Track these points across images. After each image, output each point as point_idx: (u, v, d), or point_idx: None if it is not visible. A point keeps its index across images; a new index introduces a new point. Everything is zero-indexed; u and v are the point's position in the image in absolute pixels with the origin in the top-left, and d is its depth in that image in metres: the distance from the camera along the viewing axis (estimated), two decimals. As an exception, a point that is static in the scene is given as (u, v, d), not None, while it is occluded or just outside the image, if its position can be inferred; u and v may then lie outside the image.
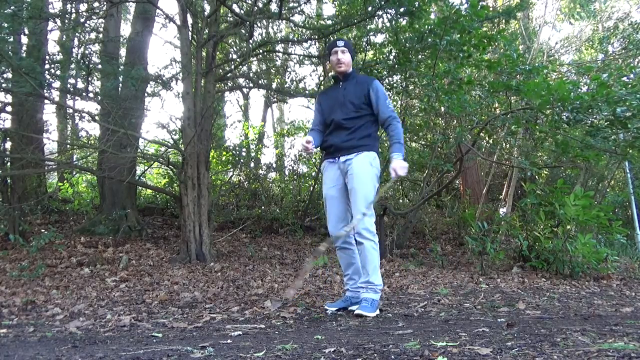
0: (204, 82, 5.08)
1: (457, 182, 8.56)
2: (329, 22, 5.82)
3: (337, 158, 2.77)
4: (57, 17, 5.53)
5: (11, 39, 4.53)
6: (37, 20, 4.76)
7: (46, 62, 5.18)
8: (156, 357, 1.66)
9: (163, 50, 28.99)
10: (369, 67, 5.66)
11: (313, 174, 7.79)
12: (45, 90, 4.50)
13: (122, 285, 3.72)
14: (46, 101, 5.45)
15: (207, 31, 5.13)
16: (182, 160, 4.85)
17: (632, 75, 5.56)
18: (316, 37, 5.91)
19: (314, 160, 7.90)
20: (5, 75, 4.61)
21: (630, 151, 4.83)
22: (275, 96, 9.82)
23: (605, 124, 4.34)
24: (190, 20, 5.17)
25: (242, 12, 5.92)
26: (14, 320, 2.69)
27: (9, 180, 5.18)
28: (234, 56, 7.48)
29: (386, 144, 6.02)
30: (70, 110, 7.66)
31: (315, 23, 6.32)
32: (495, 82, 5.02)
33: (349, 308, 2.77)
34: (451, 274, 4.52)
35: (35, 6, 4.61)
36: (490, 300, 3.24)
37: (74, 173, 7.54)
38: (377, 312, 2.64)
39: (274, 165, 8.48)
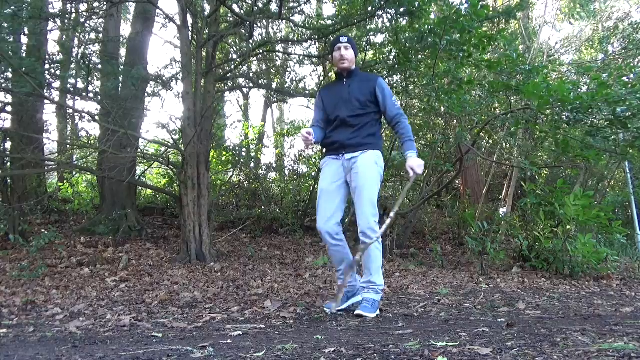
0: (204, 82, 5.08)
1: (457, 182, 8.56)
2: (329, 22, 5.81)
3: (341, 155, 2.74)
4: (57, 17, 5.52)
5: (11, 39, 4.54)
6: (37, 20, 4.76)
7: (46, 62, 5.19)
8: (156, 357, 1.66)
9: (163, 50, 29.03)
10: (369, 67, 5.66)
11: (313, 174, 7.79)
12: (45, 90, 4.50)
13: (122, 285, 3.72)
14: (46, 101, 5.46)
15: (207, 31, 5.13)
16: (182, 160, 4.85)
17: (632, 75, 5.57)
18: (316, 37, 5.91)
19: (314, 160, 7.90)
20: (5, 75, 4.61)
21: (630, 151, 4.83)
22: (275, 96, 9.82)
23: (605, 124, 4.33)
24: (190, 20, 5.17)
25: (242, 12, 5.92)
26: (14, 320, 2.69)
27: (9, 180, 5.19)
28: (234, 56, 7.48)
29: (387, 144, 6.05)
30: (70, 110, 7.67)
31: (315, 23, 6.32)
32: (495, 82, 5.02)
33: (350, 303, 2.75)
34: (451, 274, 4.52)
35: (35, 6, 4.61)
36: (490, 300, 3.24)
37: (74, 173, 7.54)
38: (378, 312, 2.64)
39: (274, 165, 8.48)
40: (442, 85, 5.18)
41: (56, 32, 7.20)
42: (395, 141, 5.83)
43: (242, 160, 7.80)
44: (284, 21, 7.39)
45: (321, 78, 7.10)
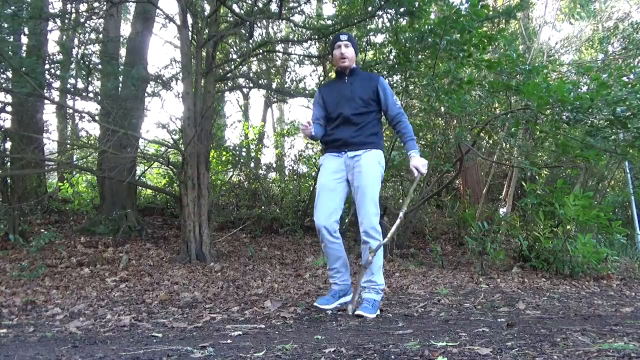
0: (204, 82, 5.08)
1: (457, 182, 8.56)
2: (329, 22, 5.81)
3: (343, 152, 2.73)
4: (57, 17, 5.52)
5: (11, 39, 4.53)
6: (37, 20, 4.76)
7: (46, 62, 5.18)
8: (156, 357, 1.66)
9: (163, 50, 29.02)
10: (369, 67, 5.66)
11: (313, 174, 7.79)
12: (45, 90, 4.50)
13: (122, 285, 3.72)
14: (46, 101, 5.46)
15: (207, 31, 5.13)
16: (182, 160, 4.85)
17: (632, 76, 5.57)
18: (316, 37, 5.91)
19: (313, 160, 7.90)
20: (5, 75, 4.61)
21: (630, 151, 4.83)
22: (275, 96, 9.82)
23: (605, 124, 4.33)
24: (190, 20, 5.17)
25: (242, 12, 5.92)
26: (14, 320, 2.69)
27: (9, 180, 5.19)
28: (234, 56, 7.48)
29: (387, 144, 6.05)
30: (70, 110, 7.67)
31: (315, 23, 6.32)
32: (495, 82, 5.02)
33: (340, 302, 2.71)
34: (451, 274, 4.52)
35: (35, 6, 4.60)
36: (490, 300, 3.24)
37: (74, 173, 7.54)
38: (378, 312, 2.64)
39: (274, 165, 8.48)
40: (442, 85, 5.18)
41: (56, 32, 7.21)
42: (395, 141, 5.83)
43: (242, 160, 7.80)
44: (284, 21, 7.39)
45: (321, 78, 7.10)
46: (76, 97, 7.15)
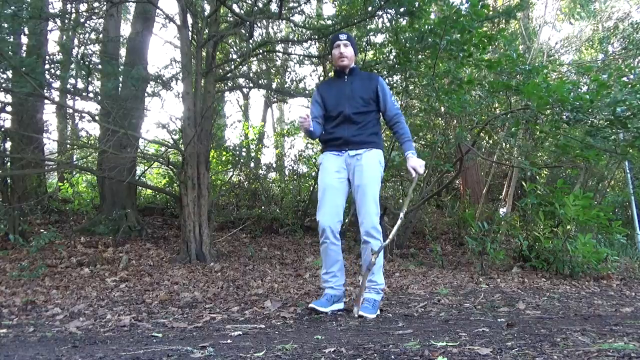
0: (204, 82, 5.08)
1: (457, 182, 8.56)
2: (329, 22, 5.81)
3: (343, 151, 2.72)
4: (57, 17, 5.52)
5: (11, 39, 4.53)
6: (37, 20, 4.76)
7: (46, 62, 5.19)
8: (156, 357, 1.66)
9: (163, 50, 29.03)
10: (369, 67, 5.66)
11: (313, 174, 7.79)
12: (45, 90, 4.50)
13: (122, 285, 3.72)
14: (46, 101, 5.46)
15: (207, 31, 5.13)
16: (182, 160, 4.85)
17: (632, 76, 5.57)
18: (316, 37, 5.91)
19: (313, 160, 7.90)
20: (5, 75, 4.61)
21: (630, 151, 4.83)
22: (275, 96, 9.82)
23: (605, 124, 4.34)
24: (190, 20, 5.17)
25: (242, 12, 5.92)
26: (14, 320, 2.69)
27: (9, 180, 5.19)
28: (234, 56, 7.48)
29: (387, 144, 6.04)
30: (70, 110, 7.67)
31: (315, 23, 6.32)
32: (495, 82, 5.02)
33: (333, 308, 2.68)
34: (451, 274, 4.52)
35: (35, 6, 4.60)
36: (490, 300, 3.24)
37: (74, 173, 7.54)
38: (378, 312, 2.64)
39: (274, 165, 8.48)
40: (442, 85, 5.18)
41: (56, 32, 7.21)
42: (396, 141, 5.83)
43: (242, 160, 7.80)
44: (284, 21, 7.39)
45: (321, 78, 7.10)
46: (76, 97, 7.15)
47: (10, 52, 4.12)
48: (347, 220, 5.59)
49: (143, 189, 7.47)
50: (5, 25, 4.04)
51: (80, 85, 6.07)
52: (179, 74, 5.99)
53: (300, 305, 2.97)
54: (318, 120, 2.79)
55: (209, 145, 5.20)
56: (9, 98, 5.30)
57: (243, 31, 6.28)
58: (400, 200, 7.89)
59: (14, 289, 3.51)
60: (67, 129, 8.37)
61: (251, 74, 8.26)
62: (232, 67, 6.77)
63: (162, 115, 21.85)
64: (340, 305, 2.74)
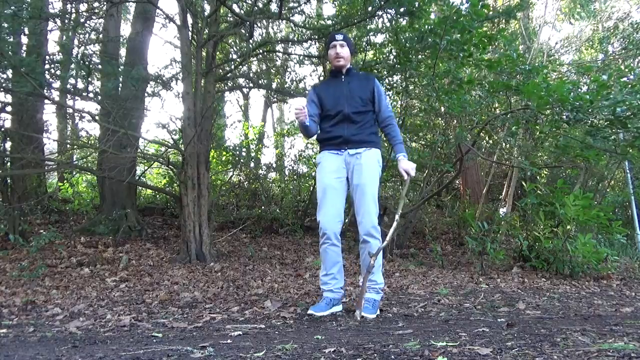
0: (204, 82, 5.08)
1: (457, 182, 8.56)
2: (329, 22, 5.81)
3: (343, 150, 2.72)
4: (57, 17, 5.53)
5: (11, 39, 4.53)
6: (37, 20, 4.76)
7: (46, 62, 5.19)
8: (156, 357, 1.66)
9: (163, 50, 29.02)
10: (369, 67, 5.66)
11: (313, 174, 7.79)
12: (45, 90, 4.50)
13: (122, 285, 3.72)
14: (46, 101, 5.46)
15: (207, 31, 5.13)
16: (182, 160, 4.85)
17: (632, 76, 5.57)
18: (316, 37, 5.91)
19: (313, 160, 7.90)
20: (5, 75, 4.61)
21: (630, 151, 4.83)
22: (275, 96, 9.82)
23: (605, 124, 4.34)
24: (190, 20, 5.17)
25: (242, 12, 5.92)
26: (14, 320, 2.69)
27: (9, 180, 5.18)
28: (234, 56, 7.48)
29: (386, 144, 6.04)
30: (70, 110, 7.67)
31: (315, 23, 6.32)
32: (495, 82, 5.02)
33: (331, 311, 2.66)
34: (451, 274, 4.52)
35: (35, 6, 4.60)
36: (490, 300, 3.24)
37: (74, 173, 7.54)
38: (378, 312, 2.64)
39: (274, 165, 8.48)
40: (442, 85, 5.18)
41: (56, 32, 7.21)
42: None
43: (242, 160, 7.80)
44: (284, 21, 7.39)
45: (321, 78, 7.10)
46: (76, 97, 7.15)
47: (10, 52, 4.11)
48: (347, 220, 5.59)
49: (143, 189, 7.47)
50: (5, 25, 4.04)
51: (80, 85, 6.07)
52: (179, 74, 6.00)
53: (300, 305, 2.97)
54: (314, 119, 2.75)
55: (209, 145, 5.20)
56: (9, 98, 5.30)
57: (243, 31, 6.28)
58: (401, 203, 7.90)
59: (14, 289, 3.51)
60: (67, 129, 8.37)
61: (251, 74, 8.26)
62: (232, 67, 6.77)
63: (162, 115, 21.88)
64: (339, 308, 2.74)
